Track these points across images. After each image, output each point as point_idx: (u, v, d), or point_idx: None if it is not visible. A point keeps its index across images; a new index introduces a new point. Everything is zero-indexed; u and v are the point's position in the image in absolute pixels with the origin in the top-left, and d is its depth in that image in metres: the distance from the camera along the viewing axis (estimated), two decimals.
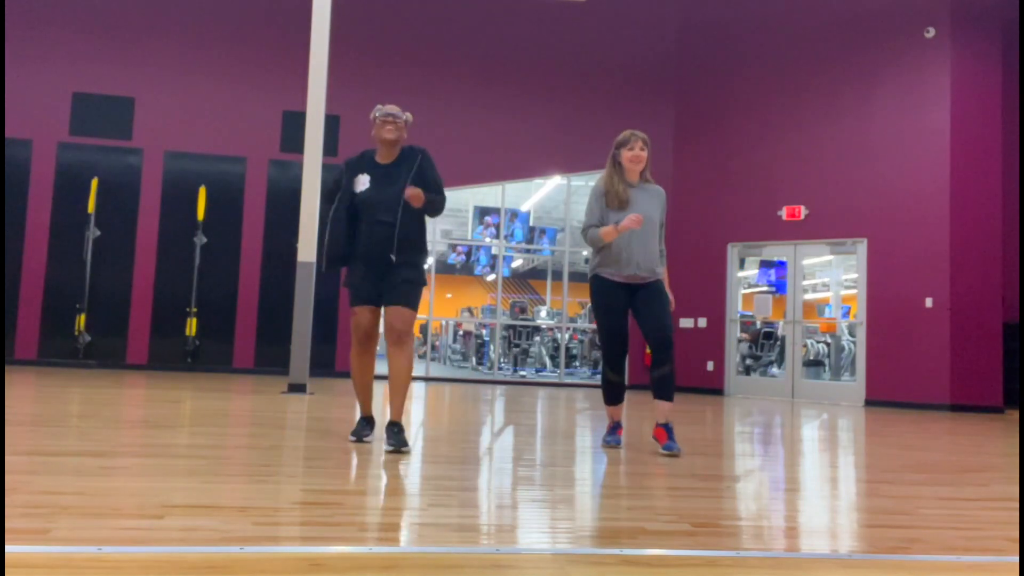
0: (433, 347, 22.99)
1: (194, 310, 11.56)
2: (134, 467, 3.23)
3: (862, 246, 11.30)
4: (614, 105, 12.79)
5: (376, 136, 4.31)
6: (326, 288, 11.31)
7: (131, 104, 11.77)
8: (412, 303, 4.24)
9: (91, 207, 11.42)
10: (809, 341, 12.86)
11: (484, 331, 16.98)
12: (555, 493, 3.12)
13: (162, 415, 5.38)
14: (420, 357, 18.03)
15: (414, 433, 5.02)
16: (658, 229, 4.56)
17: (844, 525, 2.80)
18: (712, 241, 12.13)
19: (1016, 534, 2.63)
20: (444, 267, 17.19)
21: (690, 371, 12.14)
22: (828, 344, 13.26)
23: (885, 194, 11.06)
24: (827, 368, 13.01)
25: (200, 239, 11.66)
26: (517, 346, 14.93)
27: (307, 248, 8.14)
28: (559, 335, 14.38)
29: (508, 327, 14.94)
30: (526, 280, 28.02)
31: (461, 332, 20.23)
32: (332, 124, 10.59)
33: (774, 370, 12.87)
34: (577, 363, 15.97)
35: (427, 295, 12.87)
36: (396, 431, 4.13)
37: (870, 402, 10.90)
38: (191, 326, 11.53)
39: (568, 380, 13.64)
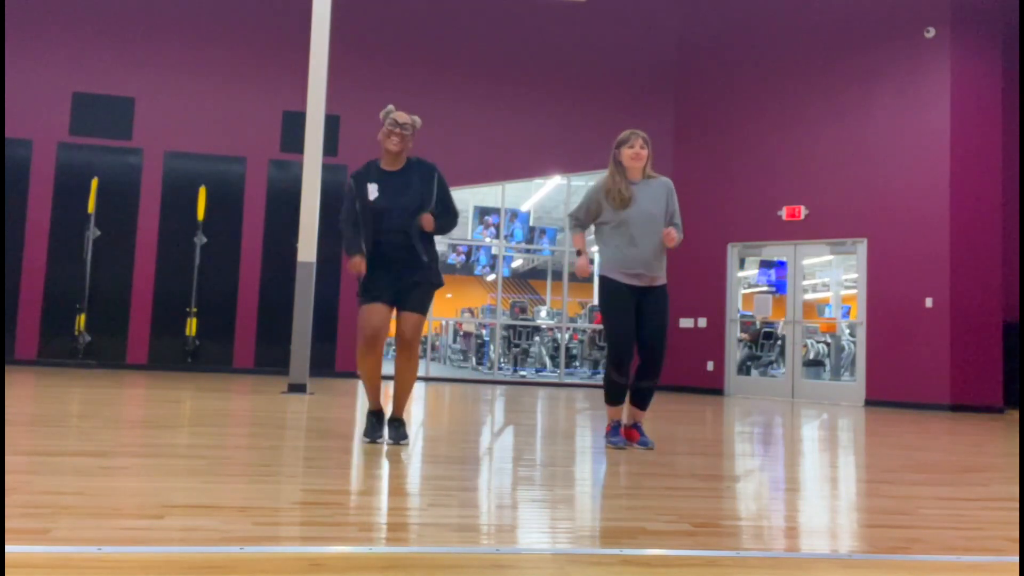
0: (433, 347, 22.97)
1: (194, 310, 11.56)
2: (134, 467, 3.23)
3: (862, 246, 11.30)
4: (614, 105, 12.79)
5: (381, 142, 4.29)
6: (326, 288, 11.31)
7: (131, 104, 11.77)
8: (424, 309, 4.29)
9: (91, 207, 11.42)
10: (809, 341, 12.86)
11: (484, 331, 16.98)
12: (555, 493, 3.12)
13: (162, 415, 5.38)
14: (420, 357, 18.02)
15: (414, 433, 5.02)
16: (662, 226, 4.55)
17: (844, 525, 2.80)
18: (712, 241, 12.13)
19: (1016, 534, 2.63)
20: (444, 267, 17.16)
21: (690, 371, 12.14)
22: (828, 344, 13.26)
23: (885, 194, 11.06)
24: (827, 368, 13.01)
25: (200, 239, 11.66)
26: (517, 346, 14.93)
27: (307, 248, 8.14)
28: (559, 335, 14.38)
29: (508, 327, 14.94)
30: (526, 280, 28.03)
31: (461, 332, 20.23)
32: (332, 124, 10.59)
33: (774, 370, 12.87)
34: (577, 363, 15.96)
35: None
36: (397, 425, 4.27)
37: (870, 402, 10.90)
38: (191, 326, 11.53)
39: (568, 380, 13.63)
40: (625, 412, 4.67)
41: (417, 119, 4.34)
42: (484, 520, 2.63)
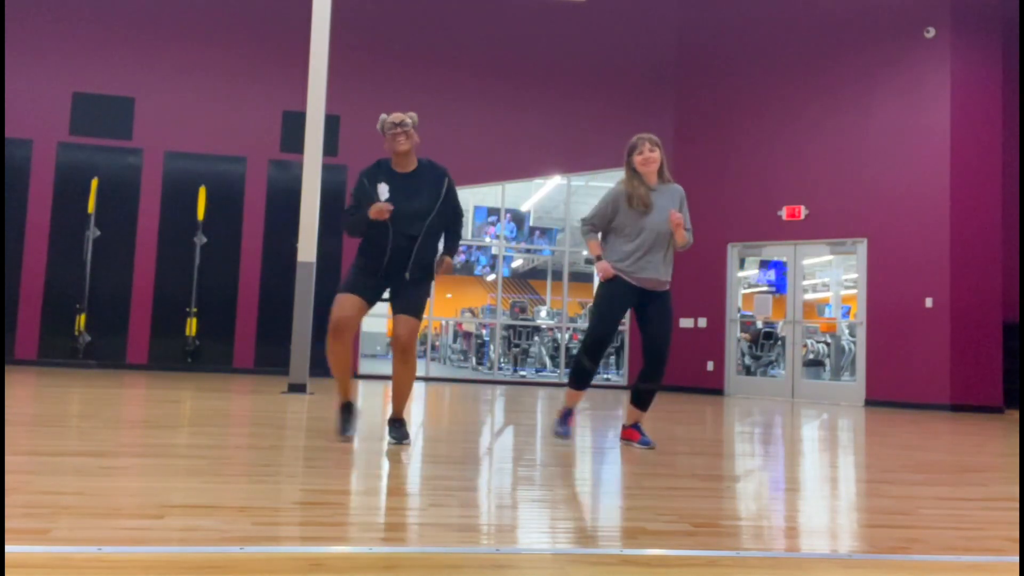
0: (433, 347, 22.98)
1: (194, 310, 11.56)
2: (134, 467, 3.23)
3: (862, 246, 11.30)
4: (614, 105, 12.80)
5: (389, 149, 4.23)
6: (326, 288, 11.30)
7: (131, 104, 11.77)
8: (419, 313, 4.25)
9: (91, 207, 11.42)
10: (809, 341, 12.86)
11: (484, 331, 16.98)
12: (555, 493, 3.12)
13: (162, 415, 5.38)
14: (420, 357, 18.02)
15: (414, 433, 5.02)
16: (685, 228, 4.53)
17: (844, 525, 2.80)
18: (712, 241, 12.13)
19: (1016, 534, 2.63)
20: None
21: (690, 371, 12.14)
22: (828, 344, 13.26)
23: (885, 194, 11.06)
24: (827, 368, 13.01)
25: (200, 239, 11.66)
26: (517, 346, 14.93)
27: (307, 248, 8.14)
28: (559, 335, 14.38)
29: (508, 327, 14.94)
30: (526, 280, 28.03)
31: (461, 332, 20.23)
32: (332, 124, 10.59)
33: (774, 370, 12.87)
34: None
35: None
36: (399, 425, 4.27)
37: (870, 402, 10.90)
38: (191, 326, 11.53)
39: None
40: (625, 412, 4.68)
41: (413, 114, 4.30)
42: (484, 520, 2.63)
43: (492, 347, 15.19)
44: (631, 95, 12.89)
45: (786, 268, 12.14)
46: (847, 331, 12.96)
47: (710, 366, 12.18)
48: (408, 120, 4.23)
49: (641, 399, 4.63)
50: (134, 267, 11.53)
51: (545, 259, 20.46)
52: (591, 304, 4.67)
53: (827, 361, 13.09)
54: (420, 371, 13.97)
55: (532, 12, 12.81)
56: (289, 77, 11.41)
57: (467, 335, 19.12)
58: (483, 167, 12.57)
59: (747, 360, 12.74)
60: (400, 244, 4.17)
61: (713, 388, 12.09)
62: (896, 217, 10.95)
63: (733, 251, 12.29)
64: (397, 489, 3.12)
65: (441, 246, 4.44)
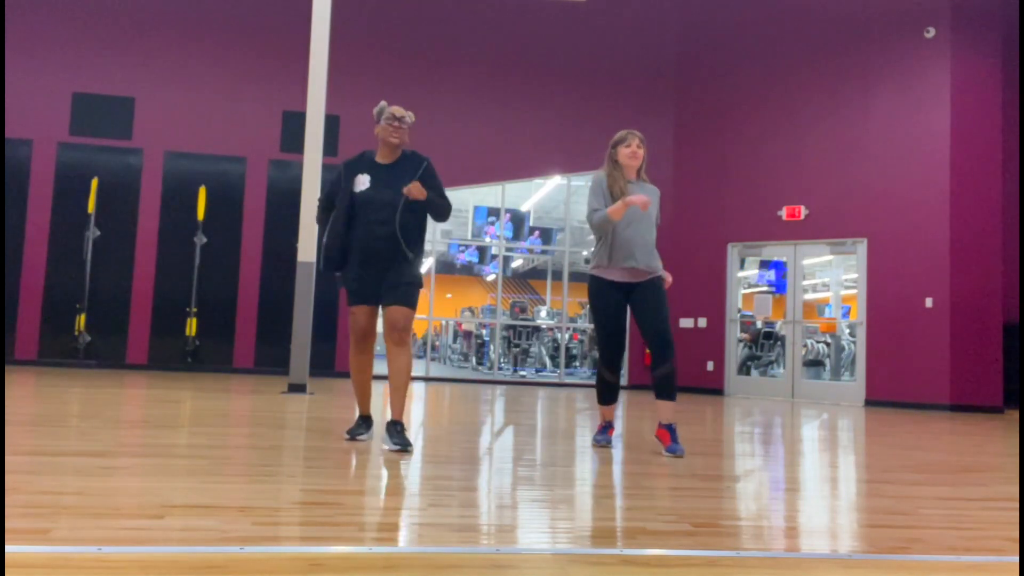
0: (433, 347, 22.99)
1: (194, 310, 11.56)
2: (134, 467, 3.23)
3: (862, 246, 11.30)
4: (614, 105, 12.79)
5: (380, 136, 4.31)
6: (326, 288, 11.31)
7: (131, 104, 11.77)
8: (411, 302, 4.26)
9: (91, 207, 11.42)
10: (809, 341, 12.86)
11: (484, 331, 16.98)
12: (555, 493, 3.12)
13: (162, 415, 5.38)
14: (419, 357, 18.04)
15: (414, 433, 5.02)
16: (653, 225, 4.57)
17: (844, 525, 2.80)
18: (712, 241, 12.13)
19: (1016, 534, 2.63)
20: (444, 267, 17.20)
21: (690, 371, 12.14)
22: (828, 344, 13.25)
23: (885, 194, 11.06)
24: (827, 368, 13.01)
25: (200, 239, 11.66)
26: (517, 346, 14.93)
27: (307, 248, 8.14)
28: (559, 335, 14.38)
29: (508, 327, 14.94)
30: (526, 280, 28.03)
31: (461, 332, 20.23)
32: (332, 124, 10.59)
33: (774, 370, 12.87)
34: (577, 363, 15.97)
35: (426, 295, 12.87)
36: (398, 430, 4.14)
37: (870, 402, 10.90)
38: (191, 326, 11.53)
39: (568, 380, 13.64)
40: (657, 409, 4.54)
41: (412, 115, 4.36)
42: (484, 520, 2.63)
43: (492, 347, 15.19)
44: (631, 95, 12.89)
45: (786, 268, 12.14)
46: (847, 331, 12.96)
47: (710, 366, 12.18)
48: (407, 118, 4.31)
49: (660, 387, 4.45)
50: (134, 267, 11.53)
51: (545, 259, 20.46)
52: (591, 317, 4.65)
53: (827, 361, 13.09)
54: (420, 371, 13.99)
55: (532, 12, 12.81)
56: (289, 77, 11.42)
57: (467, 335, 19.12)
58: (483, 167, 12.57)
59: (747, 360, 12.74)
60: (378, 231, 4.19)
61: (713, 388, 12.09)
62: (896, 217, 10.96)
63: (733, 251, 12.28)
64: (397, 489, 3.12)
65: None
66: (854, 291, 12.13)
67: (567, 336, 14.41)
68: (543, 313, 17.39)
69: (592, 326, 14.69)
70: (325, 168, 8.50)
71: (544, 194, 15.15)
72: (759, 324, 12.87)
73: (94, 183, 11.45)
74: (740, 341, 12.56)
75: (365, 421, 4.47)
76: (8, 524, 2.17)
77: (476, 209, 14.17)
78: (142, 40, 11.88)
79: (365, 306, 4.28)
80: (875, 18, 11.41)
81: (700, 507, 2.93)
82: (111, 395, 6.84)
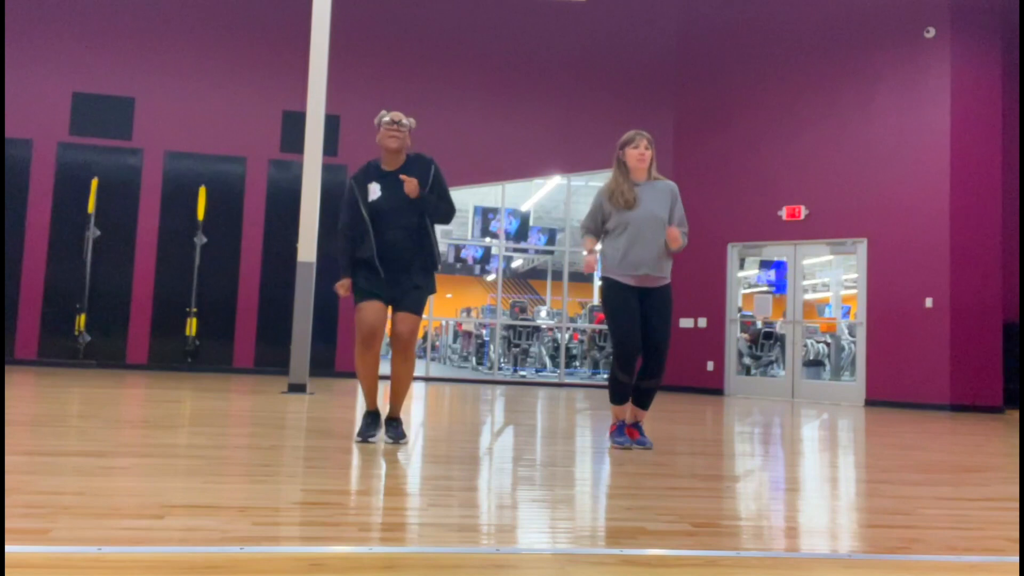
0: (433, 347, 23.00)
1: (194, 310, 11.56)
2: (134, 467, 3.23)
3: (862, 246, 11.30)
4: (614, 105, 12.79)
5: (380, 143, 4.35)
6: (326, 288, 11.30)
7: (131, 104, 11.77)
8: (419, 310, 4.31)
9: (91, 207, 11.42)
10: (809, 341, 12.86)
11: (484, 331, 16.98)
12: (555, 493, 3.12)
13: (162, 415, 5.38)
14: (420, 357, 18.03)
15: (414, 433, 5.02)
16: (665, 227, 4.56)
17: (844, 525, 2.80)
18: (712, 241, 12.13)
19: (1016, 534, 2.63)
20: (444, 267, 17.17)
21: (690, 371, 12.14)
22: (828, 344, 13.25)
23: (885, 194, 11.06)
24: (827, 368, 13.01)
25: (200, 239, 11.66)
26: (517, 346, 14.93)
27: (307, 248, 8.14)
28: (559, 335, 14.38)
29: (508, 327, 14.94)
30: (526, 280, 28.03)
31: (461, 332, 20.22)
32: (332, 124, 10.59)
33: (774, 370, 12.88)
34: (577, 363, 15.96)
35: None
36: (395, 424, 4.34)
37: (870, 402, 10.90)
38: (191, 326, 11.53)
39: (568, 380, 13.64)
40: (627, 411, 4.68)
41: (412, 120, 4.40)
42: (484, 520, 2.63)
43: (492, 347, 15.19)
44: (631, 95, 12.89)
45: (786, 268, 12.14)
46: (847, 331, 12.96)
47: (710, 366, 12.18)
48: (405, 122, 4.34)
49: (641, 397, 4.62)
50: (134, 267, 11.53)
51: (545, 259, 20.46)
52: (606, 318, 4.68)
53: (827, 361, 13.09)
54: (420, 371, 13.98)
55: (532, 12, 12.81)
56: (289, 77, 11.42)
57: (467, 335, 19.11)
58: (483, 167, 12.57)
59: (747, 360, 12.74)
60: (395, 238, 4.24)
61: (713, 388, 12.09)
62: (896, 217, 10.95)
63: (733, 251, 12.28)
64: (397, 489, 3.12)
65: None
66: (854, 291, 12.13)
67: (567, 336, 14.41)
68: (543, 313, 17.38)
69: (591, 327, 14.74)
70: (325, 168, 8.51)
71: (544, 194, 15.15)
72: (759, 324, 12.88)
73: (94, 183, 11.45)
74: (740, 341, 12.56)
75: (375, 418, 4.46)
76: (8, 524, 2.17)
77: (476, 209, 14.16)
78: (142, 40, 11.88)
79: (374, 302, 4.26)
80: (875, 18, 11.41)
81: (700, 507, 2.93)
82: (111, 395, 6.84)
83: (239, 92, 12.00)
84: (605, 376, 14.44)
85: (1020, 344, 10.86)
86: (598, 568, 2.05)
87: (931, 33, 10.94)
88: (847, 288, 14.87)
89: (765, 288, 13.77)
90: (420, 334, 20.99)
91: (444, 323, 22.62)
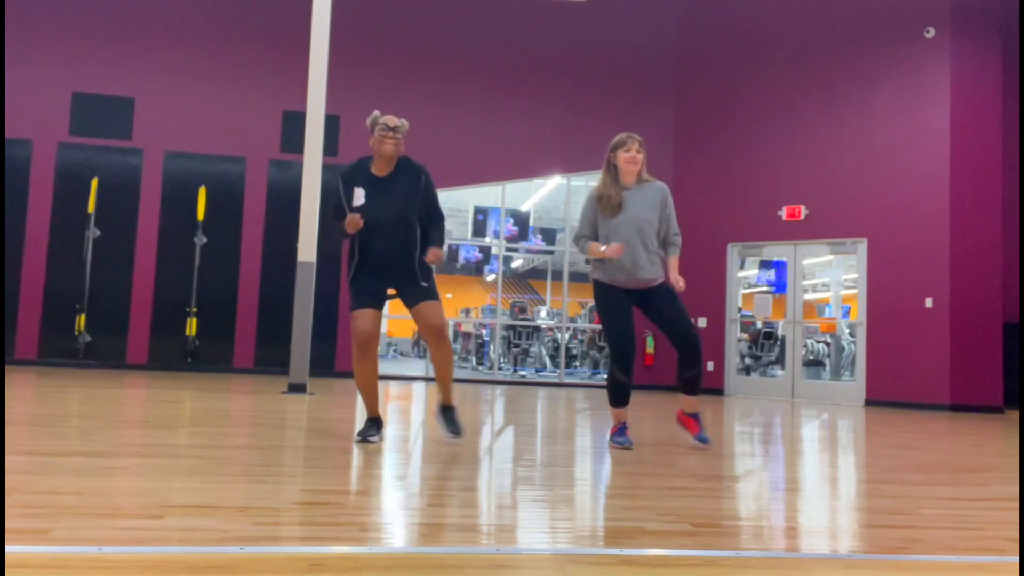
0: None
1: (194, 310, 11.56)
2: (134, 467, 3.23)
3: (862, 246, 11.30)
4: (614, 105, 12.80)
5: (375, 148, 4.28)
6: (326, 288, 11.31)
7: (131, 104, 11.77)
8: (438, 296, 4.33)
9: (91, 207, 11.42)
10: (809, 341, 12.87)
11: (484, 331, 16.97)
12: (555, 493, 3.12)
13: (162, 415, 5.38)
14: (420, 357, 18.03)
15: (414, 433, 5.03)
16: (656, 229, 4.55)
17: (844, 525, 2.80)
18: (712, 241, 12.13)
19: (1016, 534, 2.63)
20: (445, 267, 17.16)
21: None
22: (828, 344, 13.25)
23: (885, 194, 11.06)
24: (827, 368, 13.01)
25: (200, 239, 11.66)
26: (517, 346, 14.92)
27: (307, 248, 8.14)
28: (559, 335, 14.38)
29: (508, 327, 14.94)
30: (526, 280, 28.03)
31: (461, 332, 20.21)
32: (332, 124, 10.59)
33: (774, 370, 12.87)
34: (577, 363, 15.96)
35: None
36: (450, 414, 4.46)
37: (870, 402, 10.90)
38: (191, 326, 11.53)
39: (568, 380, 13.63)
40: (684, 400, 4.69)
41: (405, 122, 4.34)
42: (484, 520, 2.63)
43: (492, 347, 15.19)
44: (631, 95, 12.89)
45: (786, 268, 12.14)
46: (847, 331, 12.95)
47: (710, 366, 12.18)
48: (401, 127, 4.28)
49: (688, 387, 4.65)
50: (134, 267, 11.53)
51: (545, 259, 20.45)
52: (600, 320, 4.68)
53: (827, 361, 13.09)
54: (420, 371, 13.99)
55: (532, 12, 12.81)
56: (289, 77, 11.42)
57: (467, 335, 19.11)
58: (483, 167, 12.57)
59: (747, 360, 12.74)
60: (387, 246, 4.21)
61: (713, 388, 12.09)
62: (896, 217, 10.95)
63: (733, 251, 12.29)
64: (397, 489, 3.12)
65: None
66: (854, 291, 12.13)
67: (567, 336, 14.41)
68: (543, 313, 17.38)
69: (591, 327, 14.74)
70: (325, 168, 8.50)
71: (544, 194, 15.15)
72: (759, 324, 12.88)
73: (94, 183, 11.45)
74: (740, 341, 12.56)
75: (375, 423, 4.46)
76: (8, 524, 2.17)
77: (476, 209, 14.15)
78: (142, 40, 11.88)
79: (367, 310, 4.25)
80: (875, 18, 11.41)
81: (700, 507, 2.93)
82: (111, 395, 6.84)
83: (239, 92, 12.00)
84: (605, 376, 14.47)
85: (1020, 344, 10.86)
86: (598, 568, 2.05)
87: (931, 33, 10.94)
88: (847, 288, 14.87)
89: (765, 288, 13.77)
90: (410, 333, 20.73)
91: None
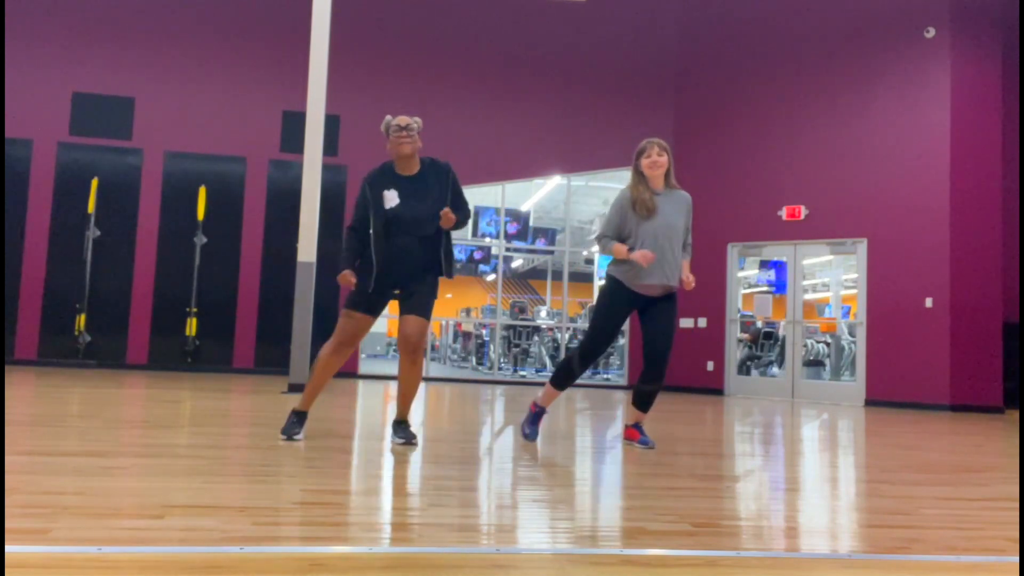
0: (433, 347, 22.99)
1: (194, 310, 11.56)
2: (134, 467, 3.23)
3: (862, 246, 11.30)
4: (614, 105, 12.80)
5: (392, 151, 4.23)
6: (326, 288, 11.31)
7: (131, 104, 11.77)
8: (428, 313, 4.27)
9: (91, 207, 11.42)
10: (809, 341, 12.86)
11: (484, 331, 16.98)
12: (555, 493, 3.12)
13: (162, 415, 5.39)
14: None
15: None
16: (682, 237, 4.58)
17: (844, 525, 2.80)
18: (712, 241, 12.12)
19: (1016, 534, 2.63)
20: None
21: (690, 371, 12.14)
22: (828, 344, 13.25)
23: (885, 194, 11.06)
24: (827, 368, 13.01)
25: (200, 239, 11.66)
26: (517, 346, 14.92)
27: (307, 248, 8.14)
28: (559, 335, 14.38)
29: (508, 327, 14.94)
30: (526, 280, 28.03)
31: (461, 332, 20.22)
32: (332, 124, 10.59)
33: (774, 370, 12.87)
34: None
35: None
36: (404, 427, 4.34)
37: (870, 402, 10.90)
38: (191, 326, 11.53)
39: None
40: (627, 412, 4.69)
41: (418, 119, 4.33)
42: (484, 520, 2.63)
43: (492, 347, 15.19)
44: (631, 95, 12.89)
45: (786, 268, 12.14)
46: (847, 331, 12.95)
47: (710, 366, 12.18)
48: (413, 124, 4.25)
49: (642, 400, 4.64)
50: (134, 267, 11.53)
51: (545, 259, 20.46)
52: (592, 307, 4.70)
53: (827, 361, 13.08)
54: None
55: (532, 12, 12.81)
56: (289, 77, 11.42)
57: (467, 335, 19.11)
58: (483, 167, 12.57)
59: (747, 360, 12.74)
60: (408, 244, 4.18)
61: (713, 388, 12.09)
62: (896, 217, 10.95)
63: (733, 251, 12.28)
64: (397, 489, 3.12)
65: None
66: (854, 291, 12.12)
67: (567, 336, 14.41)
68: (543, 313, 17.38)
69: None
70: (325, 168, 8.51)
71: (544, 194, 15.15)
72: (759, 324, 12.87)
73: (94, 183, 11.45)
74: (740, 341, 12.56)
75: (300, 418, 4.37)
76: (8, 524, 2.17)
77: (476, 209, 14.16)
78: (142, 40, 11.88)
79: (362, 313, 4.22)
80: (875, 18, 11.41)
81: (700, 507, 2.93)
82: (111, 395, 6.84)
83: (239, 92, 12.00)
84: (605, 376, 14.47)
85: (1020, 344, 10.86)
86: (598, 568, 2.05)
87: (931, 33, 10.94)
88: (847, 288, 14.86)
89: (765, 288, 13.76)
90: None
91: (444, 323, 22.62)
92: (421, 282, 4.24)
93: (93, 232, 11.43)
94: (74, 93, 11.64)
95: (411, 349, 4.21)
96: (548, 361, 15.20)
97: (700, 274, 11.98)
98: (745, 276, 13.79)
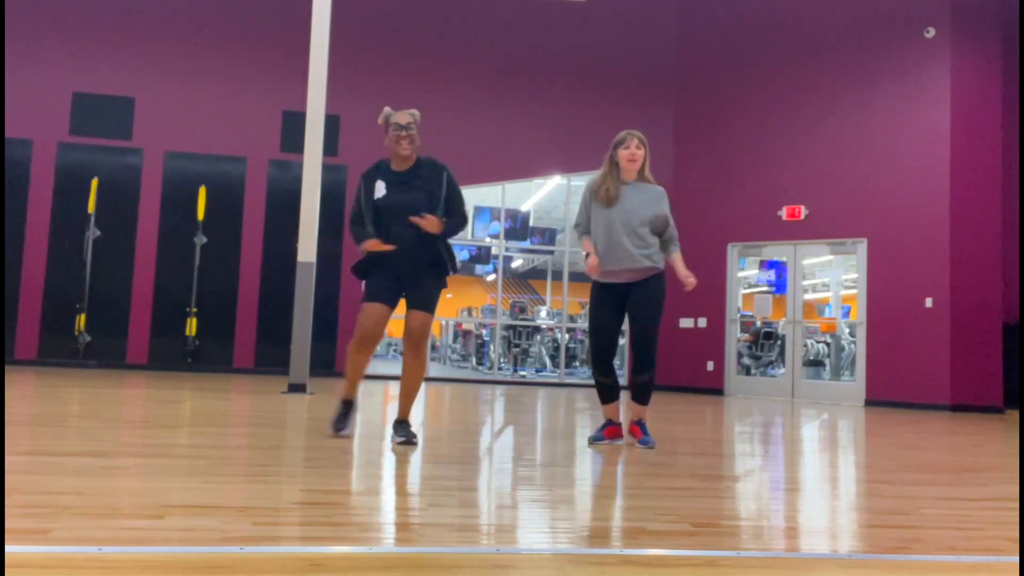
0: (433, 347, 22.99)
1: (194, 310, 11.56)
2: (134, 467, 3.23)
3: (862, 246, 11.30)
4: (614, 105, 12.79)
5: (390, 148, 4.26)
6: (326, 288, 11.31)
7: (131, 104, 11.77)
8: (432, 308, 4.29)
9: (91, 207, 11.42)
10: (809, 341, 12.86)
11: (484, 331, 16.98)
12: (555, 493, 3.12)
13: (162, 415, 5.38)
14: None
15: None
16: (647, 225, 4.52)
17: (844, 525, 2.80)
18: (712, 241, 12.12)
19: (1016, 534, 2.63)
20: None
21: (690, 371, 12.14)
22: (828, 344, 13.25)
23: (885, 194, 11.06)
24: (827, 368, 13.01)
25: (200, 239, 11.66)
26: (517, 346, 14.93)
27: (307, 248, 8.14)
28: (559, 335, 14.38)
29: (508, 327, 14.94)
30: (526, 280, 28.03)
31: (461, 332, 20.22)
32: (332, 124, 10.59)
33: (774, 370, 12.87)
34: (577, 363, 15.96)
35: None
36: (405, 426, 4.30)
37: (870, 402, 10.90)
38: (191, 326, 11.53)
39: (568, 380, 13.63)
40: (623, 410, 4.70)
41: (416, 112, 4.31)
42: (484, 520, 2.63)
43: (492, 347, 15.19)
44: (631, 95, 12.89)
45: (786, 268, 12.14)
46: (847, 331, 12.95)
47: (710, 366, 12.18)
48: (413, 125, 4.23)
49: (635, 392, 4.65)
50: (134, 267, 11.53)
51: (545, 259, 20.46)
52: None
53: (827, 361, 13.08)
54: None
55: (532, 12, 12.81)
56: (289, 77, 11.41)
57: (467, 335, 19.11)
58: (483, 167, 12.57)
59: (747, 360, 12.74)
60: (404, 236, 4.19)
61: (713, 388, 12.09)
62: (896, 217, 10.95)
63: (733, 251, 12.28)
64: (397, 489, 3.12)
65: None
66: (854, 291, 12.12)
67: (567, 336, 14.41)
68: (543, 313, 17.38)
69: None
70: (325, 168, 8.50)
71: (544, 194, 15.15)
72: (759, 324, 12.87)
73: (94, 183, 11.45)
74: (740, 341, 12.55)
75: (348, 409, 4.41)
76: (8, 524, 2.17)
77: (476, 209, 14.15)
78: (142, 40, 11.88)
79: (379, 304, 4.22)
80: (875, 18, 11.41)
81: (700, 507, 2.93)
82: (111, 395, 6.84)
83: (239, 92, 12.00)
84: None
85: (1020, 344, 10.86)
86: (598, 568, 2.05)
87: (931, 33, 10.94)
88: (847, 288, 14.86)
89: (765, 288, 13.77)
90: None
91: (444, 323, 22.62)
92: (425, 278, 4.26)
93: (93, 232, 11.43)
94: (74, 93, 11.64)
95: (414, 343, 4.24)
96: (548, 361, 15.20)
97: (700, 274, 11.99)
98: (745, 276, 13.79)
